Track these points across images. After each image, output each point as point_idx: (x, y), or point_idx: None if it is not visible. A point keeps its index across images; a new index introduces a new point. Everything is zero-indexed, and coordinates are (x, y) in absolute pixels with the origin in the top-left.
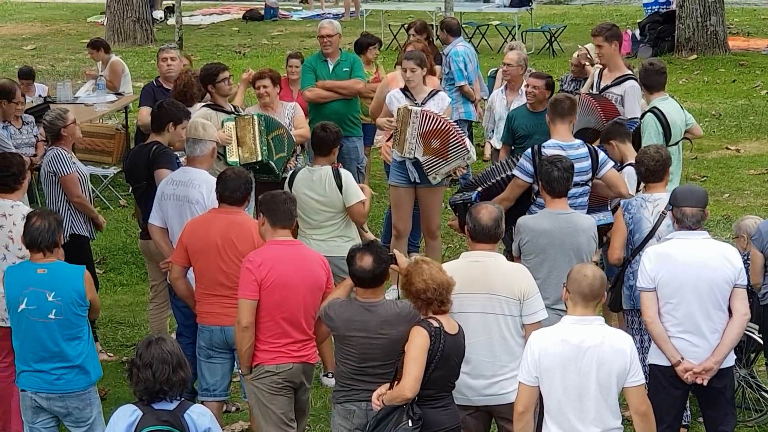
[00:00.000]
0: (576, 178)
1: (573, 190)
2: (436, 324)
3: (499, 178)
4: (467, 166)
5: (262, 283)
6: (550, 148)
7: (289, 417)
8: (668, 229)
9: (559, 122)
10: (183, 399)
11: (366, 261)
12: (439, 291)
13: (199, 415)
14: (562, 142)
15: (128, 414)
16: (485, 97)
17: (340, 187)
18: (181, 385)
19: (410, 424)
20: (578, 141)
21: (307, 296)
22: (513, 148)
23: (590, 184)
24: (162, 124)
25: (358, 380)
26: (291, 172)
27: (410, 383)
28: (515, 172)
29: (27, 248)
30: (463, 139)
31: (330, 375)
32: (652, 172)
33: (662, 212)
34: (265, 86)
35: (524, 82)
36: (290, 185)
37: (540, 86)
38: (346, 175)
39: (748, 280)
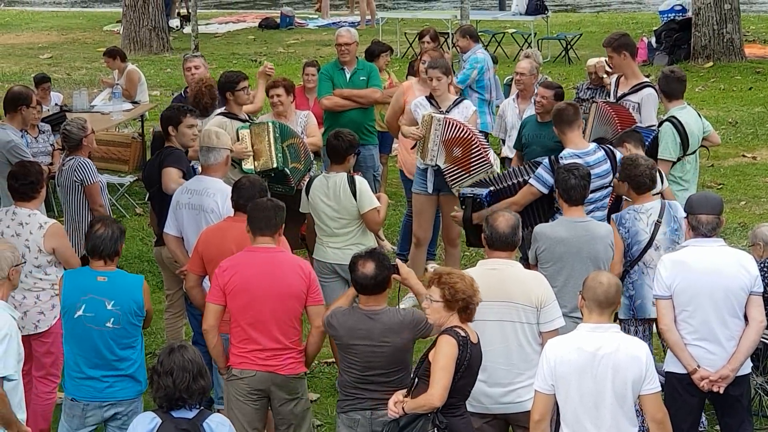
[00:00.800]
0: (598, 182)
1: (597, 194)
2: (463, 333)
3: (513, 182)
4: None
5: (225, 288)
6: (566, 159)
7: (254, 426)
8: (665, 238)
9: (568, 130)
10: (202, 408)
11: (368, 268)
12: (475, 298)
13: (218, 424)
14: (577, 151)
15: (147, 421)
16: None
17: (354, 194)
18: (201, 394)
19: None
20: (593, 145)
21: (276, 304)
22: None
23: (612, 185)
24: (165, 130)
25: (362, 389)
26: (309, 179)
27: (440, 392)
28: (532, 180)
29: (88, 255)
30: (486, 151)
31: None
32: (653, 180)
33: (657, 221)
34: (278, 95)
35: (535, 91)
36: (307, 192)
37: (549, 96)
38: (361, 182)
39: (765, 288)
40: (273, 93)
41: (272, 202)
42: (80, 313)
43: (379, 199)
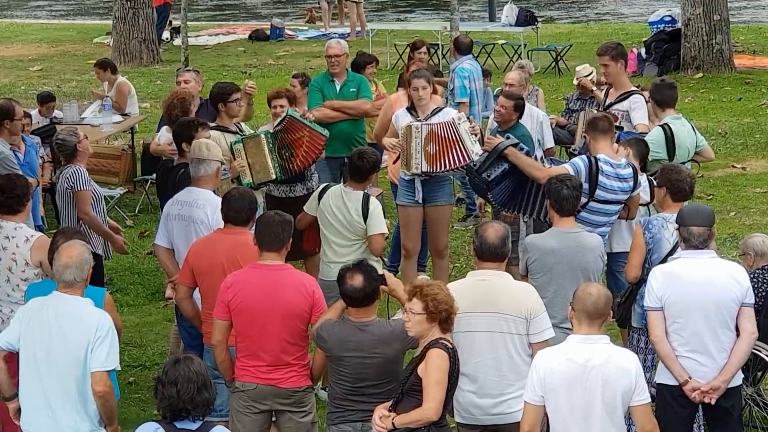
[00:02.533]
0: (617, 197)
1: (613, 208)
2: (450, 345)
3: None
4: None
5: (229, 305)
6: (603, 164)
7: None
8: None
9: (602, 138)
10: (206, 420)
11: (357, 280)
12: (454, 308)
13: None
14: (611, 160)
15: (151, 431)
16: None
17: (366, 214)
18: (205, 406)
19: None
20: (624, 161)
21: (278, 322)
22: None
23: (623, 203)
24: (179, 146)
25: (352, 401)
26: (323, 186)
27: (436, 406)
28: (566, 164)
29: (52, 266)
30: (454, 128)
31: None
32: (692, 190)
33: None
34: (282, 105)
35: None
36: (320, 197)
37: (508, 107)
38: (375, 205)
39: (755, 299)
40: (276, 104)
41: (280, 217)
42: None
43: None
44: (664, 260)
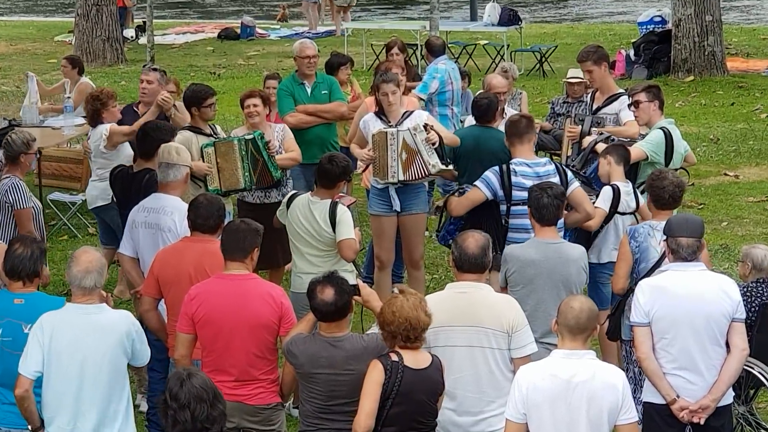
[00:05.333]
0: None
1: None
2: (394, 358)
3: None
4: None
5: (193, 318)
6: (516, 166)
7: None
8: None
9: (518, 142)
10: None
11: (327, 294)
12: (405, 326)
13: None
14: (527, 160)
15: None
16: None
17: (333, 223)
18: (222, 417)
19: None
20: (545, 159)
21: (245, 334)
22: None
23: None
24: (152, 150)
25: (324, 419)
26: (291, 194)
27: (360, 418)
28: (477, 183)
29: (7, 276)
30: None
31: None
32: (675, 198)
33: None
34: (255, 104)
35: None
36: (288, 205)
37: None
38: (343, 212)
39: (747, 314)
40: (249, 102)
41: (245, 225)
42: None
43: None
44: (652, 269)
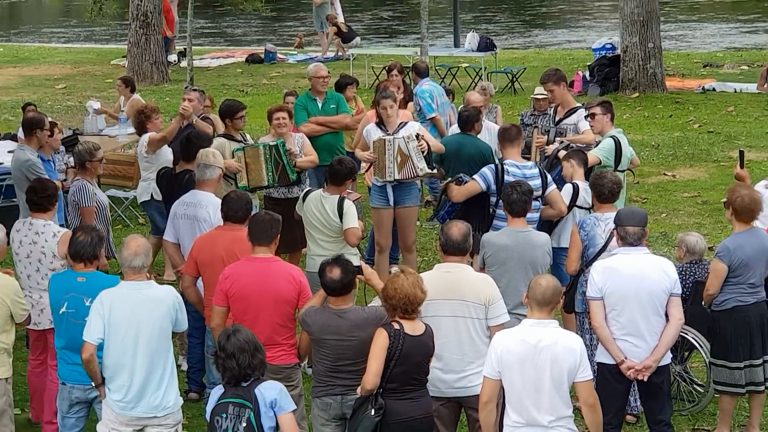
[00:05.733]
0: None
1: (535, 204)
2: (396, 326)
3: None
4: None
5: (227, 293)
6: (508, 166)
7: None
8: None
9: (509, 146)
10: (258, 378)
11: (335, 273)
12: (404, 301)
13: (268, 389)
14: (518, 163)
15: (216, 393)
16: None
17: (341, 215)
18: (262, 365)
19: (372, 413)
20: (531, 163)
21: (270, 308)
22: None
23: (541, 201)
24: (193, 154)
25: (333, 377)
26: (306, 190)
27: (369, 377)
28: (475, 176)
29: (71, 258)
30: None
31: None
32: (613, 193)
33: (612, 230)
34: (283, 117)
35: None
36: (303, 199)
37: None
38: (349, 205)
39: (683, 289)
40: (279, 115)
41: (269, 216)
42: (64, 309)
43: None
44: (598, 253)
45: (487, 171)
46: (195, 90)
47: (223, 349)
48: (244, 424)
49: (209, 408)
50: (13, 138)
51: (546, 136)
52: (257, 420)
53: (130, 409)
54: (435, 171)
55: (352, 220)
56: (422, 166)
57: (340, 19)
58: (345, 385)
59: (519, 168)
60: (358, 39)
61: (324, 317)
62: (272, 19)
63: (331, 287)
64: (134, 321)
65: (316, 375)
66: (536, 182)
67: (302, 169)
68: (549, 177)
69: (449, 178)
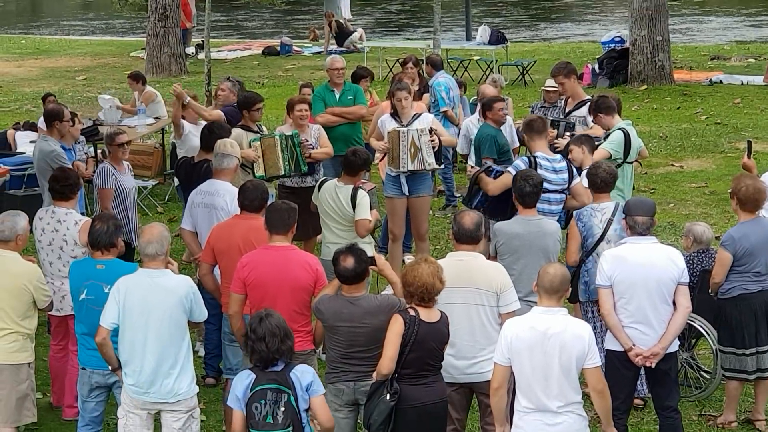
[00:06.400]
0: (555, 186)
1: (554, 196)
2: (412, 313)
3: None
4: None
5: (245, 281)
6: (540, 159)
7: None
8: (615, 234)
9: (537, 138)
10: (289, 362)
11: (348, 262)
12: (421, 290)
13: (303, 372)
14: (548, 156)
15: (244, 378)
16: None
17: (354, 205)
18: (290, 351)
19: (387, 398)
20: (559, 156)
21: (287, 296)
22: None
23: (567, 193)
24: (213, 143)
25: (346, 363)
26: (321, 179)
27: (384, 362)
28: (509, 168)
29: (90, 246)
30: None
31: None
32: (606, 183)
33: (609, 219)
34: (306, 109)
35: None
36: (319, 188)
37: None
38: (362, 196)
39: (690, 278)
40: (301, 107)
41: (286, 205)
42: (83, 296)
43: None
44: (597, 243)
45: (521, 164)
46: (228, 79)
47: (254, 331)
48: (283, 408)
49: (241, 395)
50: (32, 127)
51: (556, 130)
52: (297, 403)
53: (142, 394)
54: (442, 166)
55: (364, 211)
56: (431, 161)
57: (347, 15)
58: (357, 371)
59: (549, 161)
60: (355, 35)
61: (337, 304)
62: (284, 12)
63: (344, 276)
64: (146, 308)
65: (329, 361)
66: (564, 176)
67: (316, 160)
68: (574, 170)
69: (477, 167)
